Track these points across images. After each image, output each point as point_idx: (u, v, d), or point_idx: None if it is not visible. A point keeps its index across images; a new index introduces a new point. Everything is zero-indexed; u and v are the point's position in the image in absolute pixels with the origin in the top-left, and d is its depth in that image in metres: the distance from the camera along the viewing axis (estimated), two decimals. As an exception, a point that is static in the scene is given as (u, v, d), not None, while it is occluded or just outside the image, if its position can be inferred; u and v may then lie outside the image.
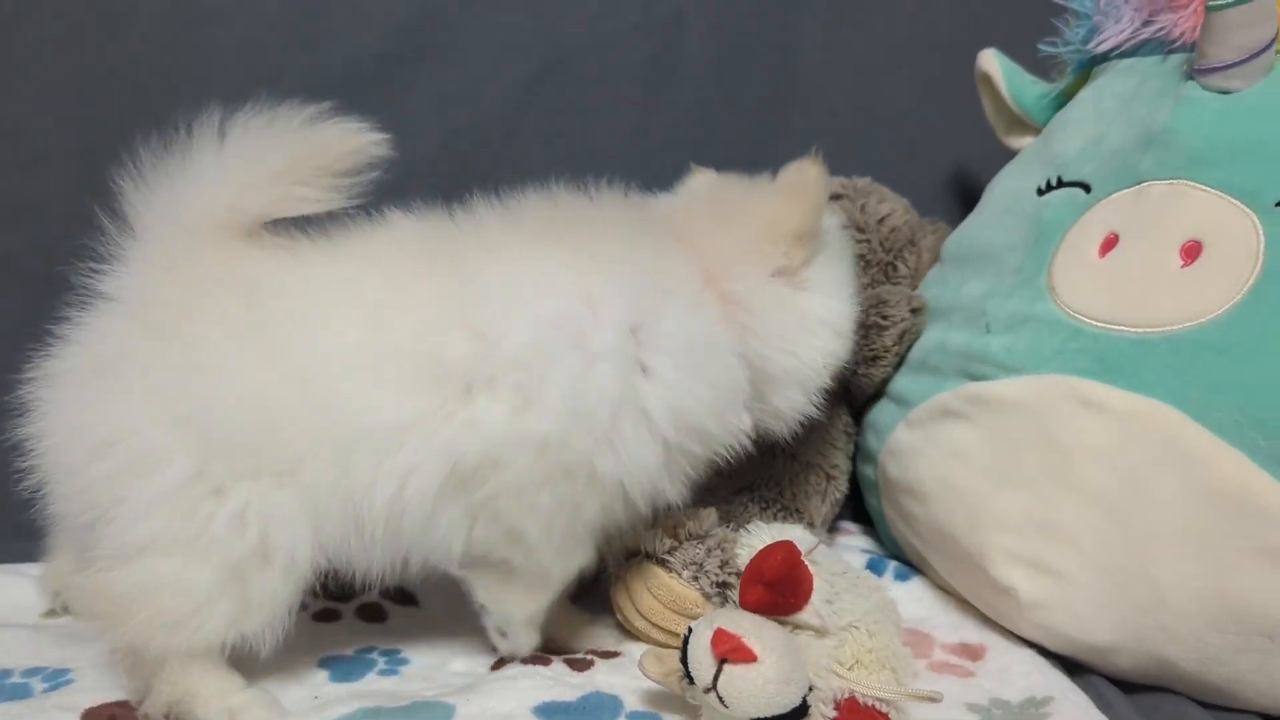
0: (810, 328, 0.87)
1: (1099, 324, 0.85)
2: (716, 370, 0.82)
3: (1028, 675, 0.84)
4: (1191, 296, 0.81)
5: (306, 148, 0.81)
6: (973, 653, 0.89)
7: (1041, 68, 1.14)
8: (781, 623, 0.77)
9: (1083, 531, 0.82)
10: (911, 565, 1.04)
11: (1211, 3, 0.83)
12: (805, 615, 0.77)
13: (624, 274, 0.80)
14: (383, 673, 0.88)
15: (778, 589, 0.76)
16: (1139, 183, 0.88)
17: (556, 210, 0.86)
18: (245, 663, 0.81)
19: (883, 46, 1.35)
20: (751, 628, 0.73)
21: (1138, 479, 0.79)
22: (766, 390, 0.87)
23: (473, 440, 0.76)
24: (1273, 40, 0.83)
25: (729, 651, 0.71)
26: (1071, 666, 0.86)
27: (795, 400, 0.88)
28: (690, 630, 0.75)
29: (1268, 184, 0.81)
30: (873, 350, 1.07)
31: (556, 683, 0.83)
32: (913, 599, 0.99)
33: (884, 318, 1.07)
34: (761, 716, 0.71)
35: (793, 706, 0.71)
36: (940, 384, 0.96)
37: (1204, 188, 0.83)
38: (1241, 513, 0.75)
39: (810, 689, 0.73)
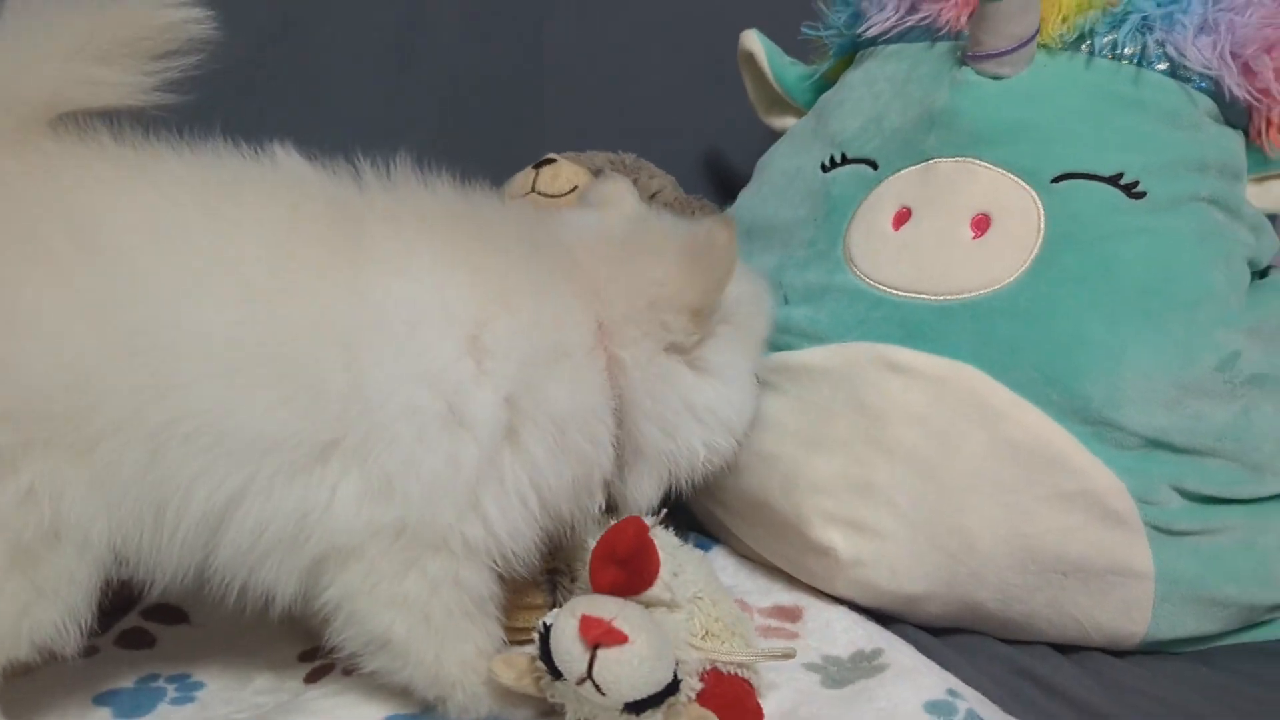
0: (697, 414, 0.82)
1: (900, 293, 0.90)
2: (585, 450, 0.75)
3: (848, 630, 0.87)
4: (985, 266, 0.87)
5: (108, 18, 0.68)
6: (790, 614, 0.92)
7: (798, 49, 1.19)
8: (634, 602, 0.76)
9: (897, 489, 0.86)
10: (709, 535, 1.05)
11: (986, -6, 0.90)
12: (656, 590, 0.76)
13: (524, 324, 0.72)
14: (175, 701, 0.77)
15: (631, 566, 0.74)
16: (926, 159, 0.93)
17: (467, 215, 0.77)
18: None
19: (639, 22, 1.36)
20: (616, 609, 0.71)
21: (947, 436, 0.85)
22: (630, 468, 0.82)
23: (322, 519, 0.68)
24: (1037, 31, 0.91)
25: (602, 636, 0.68)
26: (880, 618, 0.91)
27: (647, 488, 0.83)
28: (547, 626, 0.71)
29: (1043, 163, 0.89)
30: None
31: (391, 693, 0.76)
32: (718, 568, 0.99)
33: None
34: (637, 698, 0.69)
35: (667, 683, 0.70)
36: (742, 355, 0.98)
37: (988, 165, 0.90)
38: (1039, 462, 0.82)
39: (676, 663, 0.72)
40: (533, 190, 1.16)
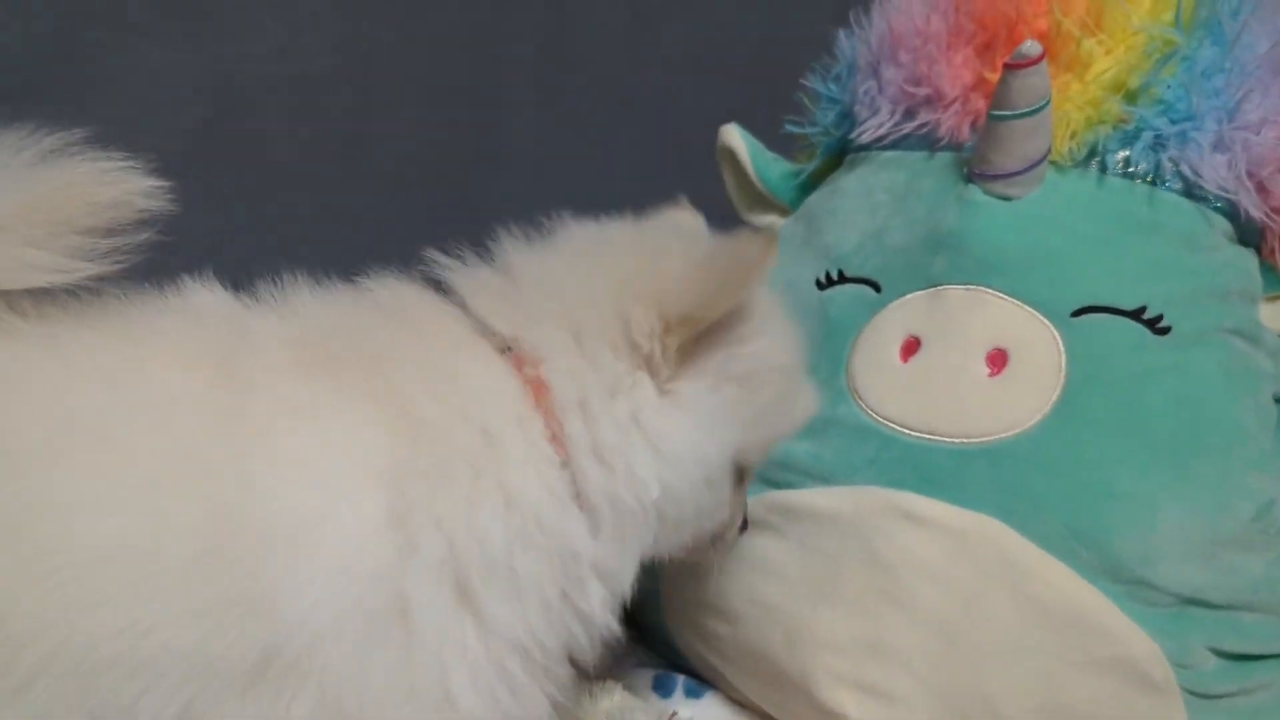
0: (652, 445, 0.65)
1: (912, 433, 0.83)
2: (559, 572, 0.64)
3: (864, 802, 0.81)
4: (1004, 407, 0.81)
5: (45, 192, 0.58)
6: (796, 779, 0.84)
7: (780, 142, 1.13)
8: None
9: (914, 651, 0.80)
10: (700, 678, 0.97)
11: (997, 112, 0.84)
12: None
13: (435, 445, 0.61)
14: None
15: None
16: (934, 285, 0.87)
17: (349, 323, 0.66)
18: None
19: (598, 105, 1.29)
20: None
21: (968, 595, 0.78)
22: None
23: None
24: (1048, 151, 0.86)
25: None
26: (893, 782, 0.84)
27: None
28: None
29: (1061, 294, 0.83)
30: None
31: None
32: (711, 718, 0.92)
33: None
34: None
35: None
36: (736, 490, 0.91)
37: (1001, 295, 0.84)
38: (1070, 626, 0.76)
39: None
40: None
